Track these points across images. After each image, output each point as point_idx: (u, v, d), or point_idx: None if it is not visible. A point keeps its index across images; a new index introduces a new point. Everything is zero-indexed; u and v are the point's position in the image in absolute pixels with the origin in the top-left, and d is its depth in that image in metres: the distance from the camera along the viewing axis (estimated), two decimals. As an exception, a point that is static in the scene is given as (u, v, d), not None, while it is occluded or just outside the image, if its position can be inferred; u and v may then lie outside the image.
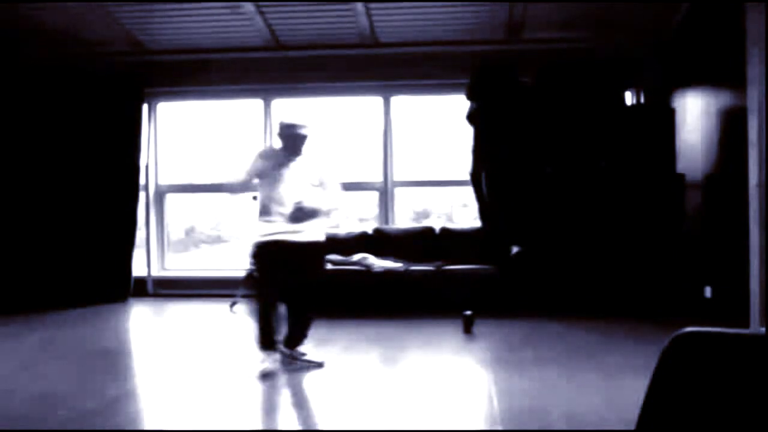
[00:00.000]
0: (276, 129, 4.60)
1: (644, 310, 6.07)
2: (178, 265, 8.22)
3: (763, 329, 4.59)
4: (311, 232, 4.43)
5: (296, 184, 4.41)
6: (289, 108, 7.85)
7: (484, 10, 6.85)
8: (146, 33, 7.40)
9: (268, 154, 4.56)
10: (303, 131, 4.45)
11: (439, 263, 6.68)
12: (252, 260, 4.49)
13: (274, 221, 4.37)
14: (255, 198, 7.47)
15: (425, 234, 7.21)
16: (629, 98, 7.14)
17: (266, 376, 4.22)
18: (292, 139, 4.44)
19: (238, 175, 4.44)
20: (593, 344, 5.08)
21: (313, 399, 4.04)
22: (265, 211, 4.40)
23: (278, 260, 4.34)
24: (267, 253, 4.35)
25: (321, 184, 4.49)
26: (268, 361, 4.30)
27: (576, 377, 4.14)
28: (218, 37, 7.44)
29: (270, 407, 3.94)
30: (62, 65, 7.50)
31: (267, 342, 4.34)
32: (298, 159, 4.47)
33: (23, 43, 7.31)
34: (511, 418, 3.37)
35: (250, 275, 6.94)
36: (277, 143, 4.60)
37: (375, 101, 7.80)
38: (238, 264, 7.73)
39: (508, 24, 7.06)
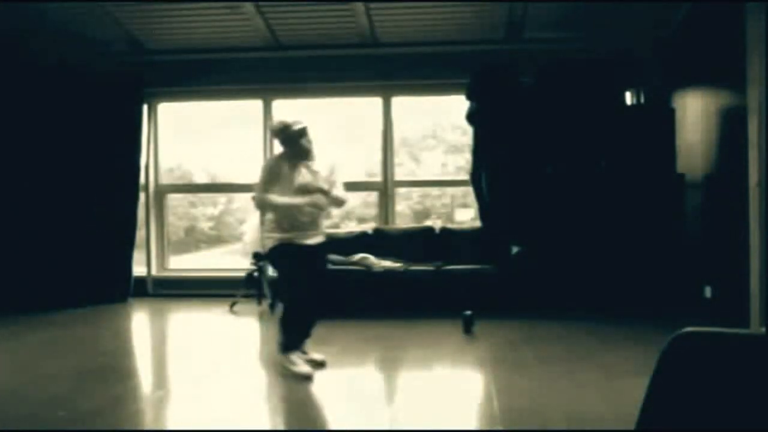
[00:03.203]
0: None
1: (644, 310, 6.07)
2: (178, 265, 8.22)
3: (763, 329, 4.59)
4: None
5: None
6: (289, 108, 7.85)
7: (484, 10, 6.85)
8: (146, 33, 7.40)
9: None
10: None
11: (439, 263, 6.68)
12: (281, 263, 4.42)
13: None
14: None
15: (425, 234, 7.21)
16: (629, 98, 7.14)
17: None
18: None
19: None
20: (593, 344, 5.08)
21: (313, 399, 4.03)
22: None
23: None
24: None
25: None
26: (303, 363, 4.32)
27: (576, 377, 4.14)
28: (218, 37, 7.44)
29: (270, 407, 3.94)
30: (62, 65, 7.50)
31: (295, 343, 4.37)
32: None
33: (23, 43, 7.31)
34: (511, 417, 3.37)
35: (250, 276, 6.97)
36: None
37: (375, 101, 7.80)
38: (238, 264, 7.74)
39: (508, 24, 7.06)
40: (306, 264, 4.30)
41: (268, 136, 7.87)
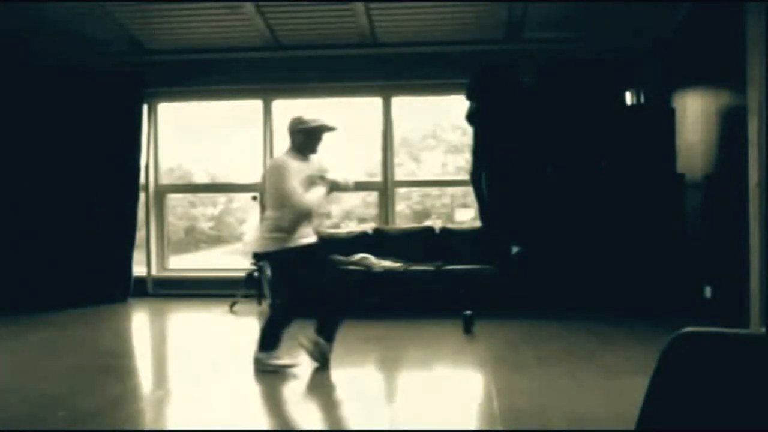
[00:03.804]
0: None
1: (644, 309, 6.07)
2: (178, 265, 8.22)
3: (763, 329, 4.59)
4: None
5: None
6: (290, 108, 7.85)
7: (484, 10, 6.85)
8: (146, 33, 7.40)
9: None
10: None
11: (439, 263, 6.68)
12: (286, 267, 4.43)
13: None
14: (255, 198, 7.52)
15: (425, 234, 7.21)
16: (629, 98, 7.14)
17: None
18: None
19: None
20: (593, 344, 5.08)
21: (314, 399, 4.03)
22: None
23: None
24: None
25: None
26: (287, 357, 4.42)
27: (576, 377, 4.14)
28: (218, 37, 7.44)
29: (270, 407, 3.94)
30: (62, 65, 7.50)
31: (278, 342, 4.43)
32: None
33: (23, 43, 7.31)
34: (511, 417, 3.37)
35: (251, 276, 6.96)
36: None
37: (375, 101, 7.80)
38: (238, 264, 7.75)
39: (508, 24, 7.06)
40: (306, 265, 4.32)
41: (268, 136, 7.87)
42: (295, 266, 4.31)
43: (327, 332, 4.43)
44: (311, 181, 4.32)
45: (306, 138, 4.33)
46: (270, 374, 4.29)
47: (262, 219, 4.53)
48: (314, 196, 4.27)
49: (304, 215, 4.27)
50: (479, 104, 7.02)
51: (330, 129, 4.38)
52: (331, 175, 4.45)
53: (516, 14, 6.86)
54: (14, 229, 7.35)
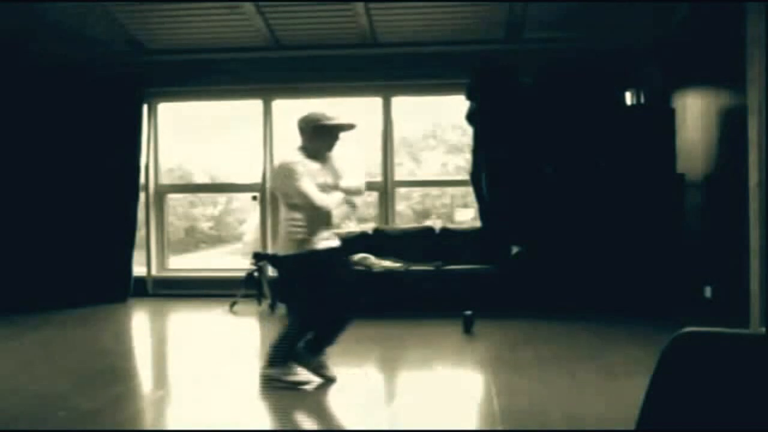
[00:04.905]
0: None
1: (644, 309, 6.07)
2: (178, 265, 8.22)
3: (763, 329, 4.59)
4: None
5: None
6: (290, 108, 7.85)
7: (484, 10, 6.85)
8: (146, 33, 7.39)
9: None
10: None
11: (439, 263, 6.68)
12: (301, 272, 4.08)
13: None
14: (255, 198, 7.53)
15: (425, 234, 7.21)
16: (629, 98, 7.14)
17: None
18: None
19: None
20: (593, 344, 5.09)
21: (313, 399, 4.03)
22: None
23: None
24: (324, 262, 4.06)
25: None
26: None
27: (576, 377, 4.14)
28: (218, 37, 7.44)
29: (270, 407, 3.94)
30: (62, 65, 7.49)
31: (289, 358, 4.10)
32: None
33: (23, 43, 7.30)
34: (511, 417, 3.37)
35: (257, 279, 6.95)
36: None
37: (375, 101, 7.80)
38: (238, 264, 7.75)
39: (508, 24, 7.06)
40: (327, 270, 4.03)
41: (268, 136, 7.87)
42: (316, 271, 3.98)
43: (328, 341, 4.13)
44: (323, 189, 3.98)
45: (325, 136, 4.04)
46: (279, 389, 4.13)
47: (279, 221, 4.19)
48: (331, 197, 3.98)
49: (321, 217, 3.98)
50: (479, 104, 7.02)
51: (351, 127, 4.11)
52: (344, 183, 4.12)
53: (516, 14, 6.86)
54: (14, 229, 7.35)
